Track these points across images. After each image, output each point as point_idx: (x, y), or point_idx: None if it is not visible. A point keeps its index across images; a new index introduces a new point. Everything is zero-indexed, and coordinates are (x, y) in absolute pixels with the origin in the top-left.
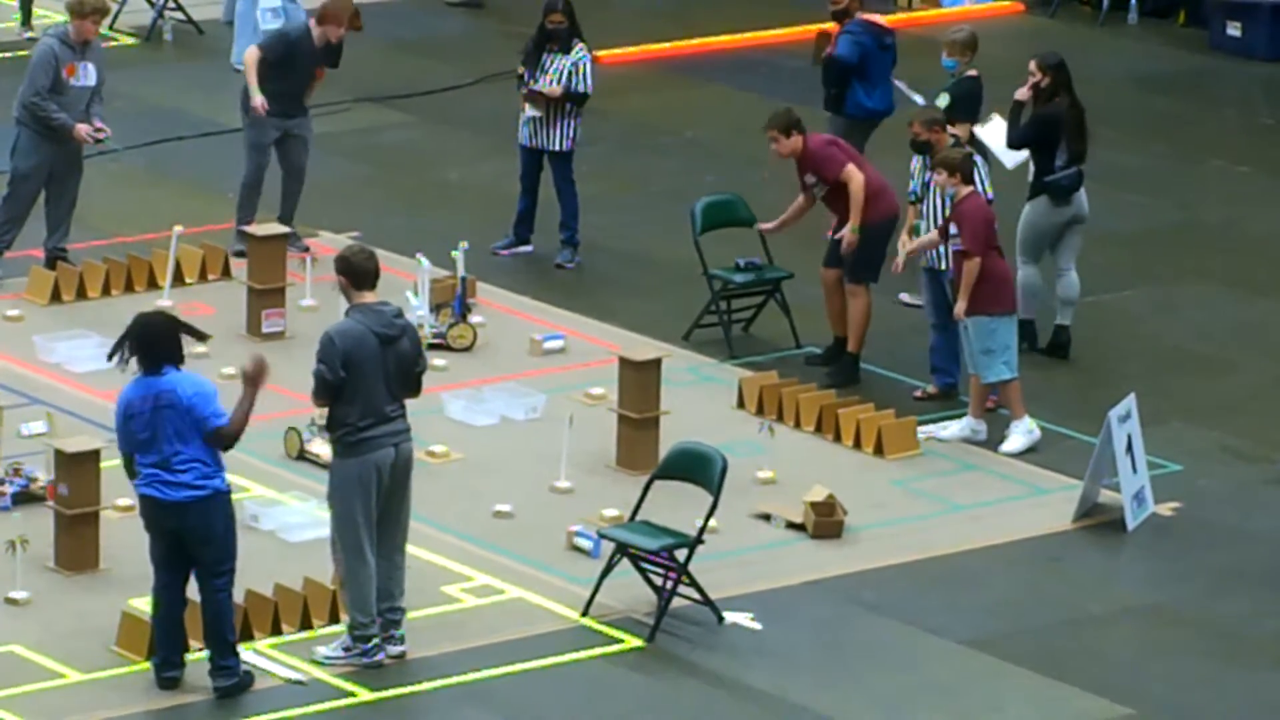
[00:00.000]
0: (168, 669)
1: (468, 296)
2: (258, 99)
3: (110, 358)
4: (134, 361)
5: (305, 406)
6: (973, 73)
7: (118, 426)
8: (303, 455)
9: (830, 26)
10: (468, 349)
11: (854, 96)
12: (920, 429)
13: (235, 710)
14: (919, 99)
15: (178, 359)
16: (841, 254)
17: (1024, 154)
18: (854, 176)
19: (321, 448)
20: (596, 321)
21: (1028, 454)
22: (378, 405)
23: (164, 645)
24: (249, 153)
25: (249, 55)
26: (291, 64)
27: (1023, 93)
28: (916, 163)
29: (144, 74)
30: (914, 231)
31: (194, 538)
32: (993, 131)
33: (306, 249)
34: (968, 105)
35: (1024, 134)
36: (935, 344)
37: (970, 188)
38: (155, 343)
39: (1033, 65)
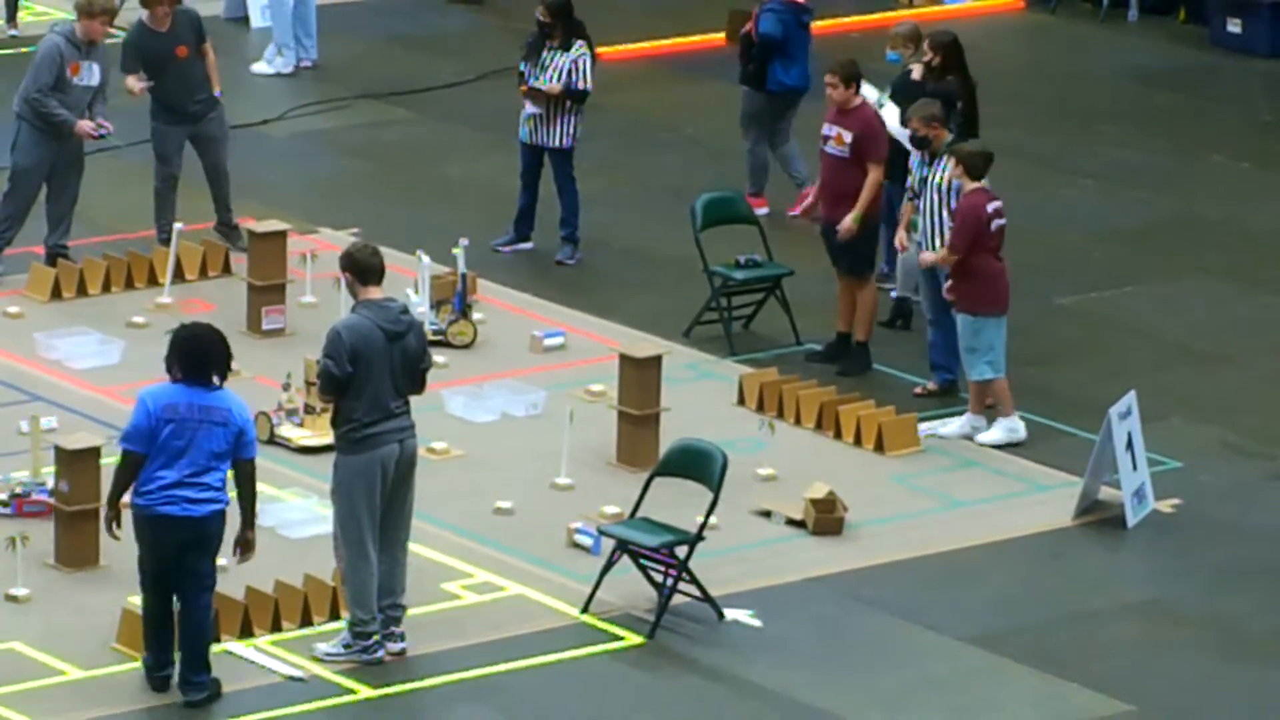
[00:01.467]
0: (160, 669)
1: (468, 293)
2: (136, 86)
3: (169, 372)
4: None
5: None
6: (916, 66)
7: (143, 426)
8: (273, 439)
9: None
10: (468, 346)
11: (773, 73)
12: (921, 425)
13: (236, 708)
14: (877, 96)
15: (225, 373)
16: (839, 239)
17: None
18: (880, 168)
19: (291, 431)
20: (597, 318)
21: (1028, 451)
22: (383, 401)
23: (155, 646)
24: (155, 163)
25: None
26: (151, 62)
27: (916, 71)
28: (915, 159)
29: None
30: (911, 227)
31: (201, 549)
32: (889, 114)
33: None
34: (909, 101)
35: None
36: (934, 340)
37: (976, 184)
38: (208, 354)
39: (925, 44)
